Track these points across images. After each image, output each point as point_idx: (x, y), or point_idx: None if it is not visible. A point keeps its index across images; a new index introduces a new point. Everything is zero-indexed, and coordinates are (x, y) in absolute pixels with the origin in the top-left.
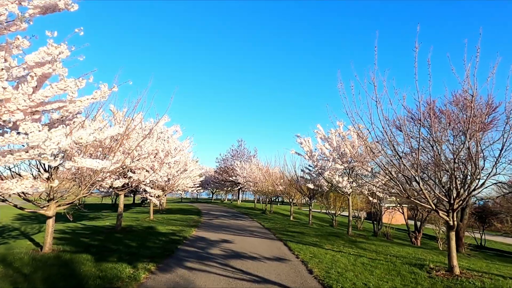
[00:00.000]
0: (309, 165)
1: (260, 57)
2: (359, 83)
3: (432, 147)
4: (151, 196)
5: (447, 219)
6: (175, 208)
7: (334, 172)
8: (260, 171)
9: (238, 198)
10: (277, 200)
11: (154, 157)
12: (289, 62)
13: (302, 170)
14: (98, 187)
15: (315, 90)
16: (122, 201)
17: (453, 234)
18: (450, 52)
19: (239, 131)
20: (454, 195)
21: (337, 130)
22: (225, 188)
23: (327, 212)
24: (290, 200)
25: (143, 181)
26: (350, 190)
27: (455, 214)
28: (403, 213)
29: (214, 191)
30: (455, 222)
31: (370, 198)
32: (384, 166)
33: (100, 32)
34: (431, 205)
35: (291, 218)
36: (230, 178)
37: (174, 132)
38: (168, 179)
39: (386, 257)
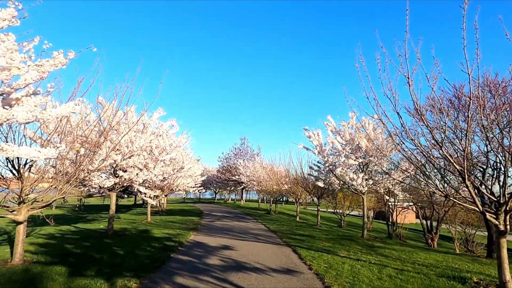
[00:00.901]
0: (318, 162)
1: (263, 52)
2: (384, 58)
3: (487, 135)
4: (147, 197)
5: (497, 222)
6: (176, 209)
7: (347, 168)
8: (264, 169)
9: (242, 198)
10: (281, 199)
11: (149, 154)
12: (293, 55)
13: (310, 167)
14: (89, 188)
15: (322, 82)
16: (113, 202)
17: (504, 242)
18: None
19: (242, 129)
20: (508, 193)
21: (350, 122)
22: (228, 188)
23: (335, 211)
24: (296, 199)
25: (136, 181)
26: (365, 188)
27: (507, 216)
28: (418, 212)
29: (217, 191)
30: (508, 227)
31: (387, 197)
32: (416, 159)
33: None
34: (477, 206)
35: (298, 219)
36: (233, 178)
37: (171, 126)
38: (164, 178)
39: (414, 267)
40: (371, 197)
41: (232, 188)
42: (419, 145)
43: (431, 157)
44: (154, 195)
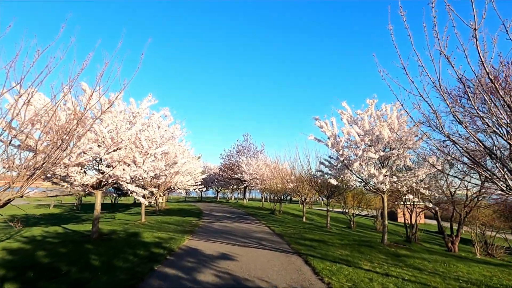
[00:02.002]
0: (329, 156)
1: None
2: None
3: None
4: (138, 196)
5: None
6: (175, 209)
7: (366, 163)
8: (268, 167)
9: (244, 197)
10: (285, 198)
11: (137, 147)
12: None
13: (321, 163)
14: (72, 185)
15: (327, 76)
16: (98, 202)
17: None
18: None
19: (246, 127)
20: None
21: (368, 109)
22: (231, 187)
23: (343, 211)
24: (303, 199)
25: (122, 177)
26: (387, 186)
27: None
28: (436, 213)
29: (219, 190)
30: None
31: (410, 197)
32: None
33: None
34: None
35: (304, 220)
36: (235, 176)
37: (164, 117)
38: (156, 174)
39: (461, 286)
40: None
41: (235, 186)
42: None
43: (496, 147)
44: (148, 194)
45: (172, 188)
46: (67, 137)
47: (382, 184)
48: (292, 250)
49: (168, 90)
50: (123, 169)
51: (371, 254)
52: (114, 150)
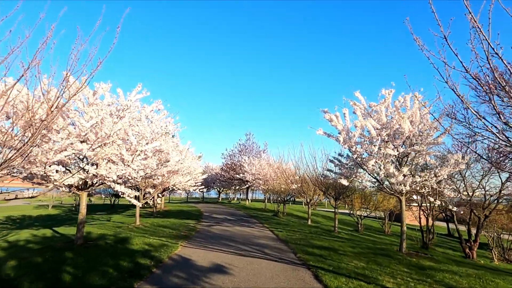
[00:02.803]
0: (339, 154)
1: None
2: None
3: None
4: (130, 198)
5: None
6: (174, 210)
7: (383, 161)
8: (271, 167)
9: (247, 198)
10: (289, 199)
11: (125, 143)
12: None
13: (331, 161)
14: (53, 185)
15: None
16: (84, 204)
17: None
18: None
19: (248, 126)
20: None
21: (385, 100)
22: (233, 187)
23: (350, 213)
24: (308, 200)
25: (108, 177)
26: (407, 187)
27: None
28: (452, 216)
29: (220, 191)
30: None
31: (430, 199)
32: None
33: None
34: None
35: (309, 222)
36: (237, 176)
37: (157, 111)
38: (147, 174)
39: None
40: (389, 197)
41: (237, 187)
42: None
43: None
44: (146, 195)
45: (171, 189)
46: (34, 130)
47: (401, 185)
48: (299, 260)
49: (168, 87)
50: (109, 168)
51: (390, 266)
52: (100, 147)
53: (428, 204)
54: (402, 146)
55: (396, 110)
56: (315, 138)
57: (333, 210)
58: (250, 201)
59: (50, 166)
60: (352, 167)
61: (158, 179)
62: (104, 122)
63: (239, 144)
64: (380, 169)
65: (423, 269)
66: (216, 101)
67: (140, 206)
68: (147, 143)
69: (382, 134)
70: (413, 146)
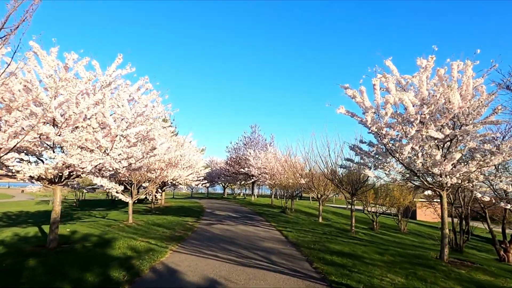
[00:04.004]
0: (360, 141)
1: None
2: None
3: None
4: (118, 194)
5: None
6: (175, 206)
7: (422, 146)
8: (278, 161)
9: (252, 193)
10: (296, 194)
11: (102, 127)
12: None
13: (351, 148)
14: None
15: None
16: (58, 201)
17: None
18: None
19: (254, 118)
20: None
21: (426, 67)
22: (238, 182)
23: (363, 210)
24: (319, 195)
25: (82, 168)
26: (454, 179)
27: None
28: (485, 214)
29: (225, 186)
30: None
31: (478, 195)
32: None
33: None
34: None
35: (320, 220)
36: (243, 170)
37: (146, 92)
38: (130, 164)
39: None
40: (406, 193)
41: (242, 182)
42: None
43: None
44: (118, 190)
45: (172, 184)
46: None
47: (448, 177)
48: (317, 273)
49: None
50: (83, 156)
51: (438, 283)
52: (71, 131)
53: (462, 200)
54: (448, 127)
55: (440, 81)
56: (329, 127)
57: (344, 206)
58: (256, 197)
59: (7, 154)
60: (378, 156)
61: (155, 172)
62: (78, 101)
63: (244, 137)
64: (417, 156)
65: (479, 285)
66: (221, 93)
67: (130, 202)
68: (128, 127)
69: (424, 111)
70: (463, 126)
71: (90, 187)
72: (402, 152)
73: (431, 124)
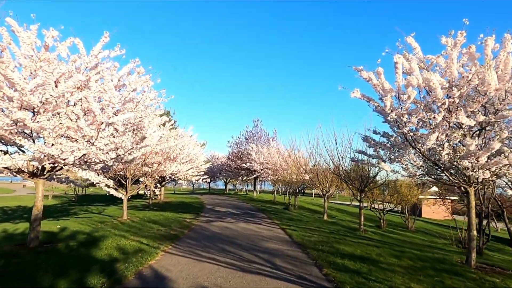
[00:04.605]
0: (374, 132)
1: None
2: None
3: None
4: (109, 189)
5: None
6: (175, 202)
7: (453, 134)
8: (281, 156)
9: (254, 189)
10: (299, 190)
11: (85, 114)
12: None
13: (364, 139)
14: None
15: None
16: (39, 197)
17: None
18: None
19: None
20: None
21: (456, 43)
22: (240, 178)
23: (370, 207)
24: (324, 192)
25: (62, 159)
26: (487, 174)
27: None
28: (503, 212)
29: (227, 181)
30: None
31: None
32: None
33: None
34: None
35: (325, 217)
36: (244, 165)
37: (140, 77)
38: (118, 155)
39: None
40: (415, 189)
41: (244, 177)
42: None
43: None
44: (109, 185)
45: (172, 179)
46: None
47: (481, 170)
48: (328, 281)
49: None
50: (63, 146)
51: None
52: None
53: (481, 197)
54: (480, 113)
55: (471, 60)
56: (336, 120)
57: (347, 203)
58: (258, 193)
59: None
60: (394, 147)
61: (152, 166)
62: (50, 82)
63: (246, 131)
64: (442, 147)
65: None
66: (223, 87)
67: (125, 198)
68: (114, 114)
69: (453, 95)
70: (503, 111)
71: (80, 181)
72: (426, 143)
73: (460, 110)
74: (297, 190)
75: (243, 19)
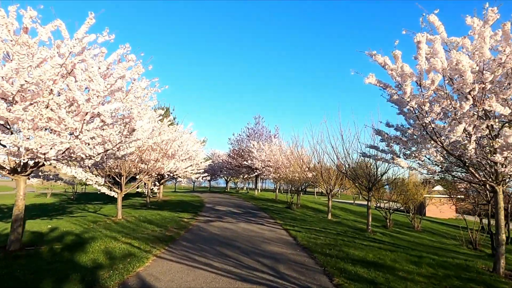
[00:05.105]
0: (387, 125)
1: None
2: None
3: None
4: (100, 187)
5: None
6: (174, 201)
7: (483, 125)
8: (283, 153)
9: (256, 187)
10: (303, 188)
11: (71, 104)
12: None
13: (377, 133)
14: None
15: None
16: (21, 194)
17: None
18: None
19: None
20: None
21: (487, 21)
22: (241, 176)
23: (376, 207)
24: (328, 190)
25: (42, 154)
26: None
27: None
28: None
29: (228, 179)
30: None
31: None
32: None
33: None
34: None
35: (329, 217)
36: (246, 163)
37: (132, 66)
38: (107, 150)
39: None
40: (420, 187)
41: (245, 175)
42: None
43: None
44: (99, 182)
45: (171, 177)
46: None
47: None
48: None
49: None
50: (42, 140)
51: None
52: (28, 107)
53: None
54: None
55: (505, 40)
56: (344, 114)
57: (350, 201)
58: (259, 191)
59: None
60: (410, 141)
61: (148, 162)
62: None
63: (248, 128)
64: (469, 141)
65: None
66: (224, 84)
67: (119, 197)
68: (100, 103)
69: (485, 79)
70: None
71: (69, 179)
72: (449, 136)
73: (492, 97)
74: (300, 189)
75: (243, 16)
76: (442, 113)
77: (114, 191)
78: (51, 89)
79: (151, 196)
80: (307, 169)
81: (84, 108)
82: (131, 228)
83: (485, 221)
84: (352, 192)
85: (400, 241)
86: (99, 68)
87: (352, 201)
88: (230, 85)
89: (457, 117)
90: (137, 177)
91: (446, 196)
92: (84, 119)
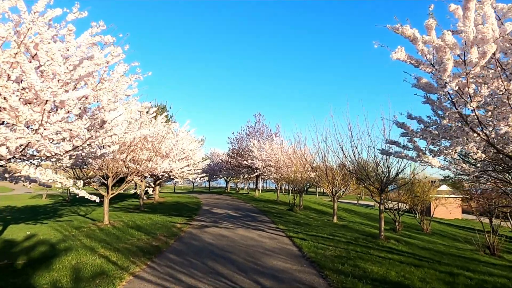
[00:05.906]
0: (409, 117)
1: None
2: None
3: None
4: (78, 191)
5: None
6: (169, 203)
7: None
8: (285, 152)
9: (256, 188)
10: (306, 189)
11: (28, 91)
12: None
13: (399, 126)
14: None
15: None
16: None
17: None
18: None
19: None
20: None
21: None
22: (242, 176)
23: (384, 209)
24: (334, 191)
25: (12, 151)
26: None
27: None
28: None
29: (228, 180)
30: None
31: None
32: None
33: None
34: None
35: (335, 220)
36: (246, 163)
37: (110, 52)
38: (76, 147)
39: None
40: (430, 188)
41: (246, 176)
42: None
43: None
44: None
45: (163, 177)
46: None
47: None
48: None
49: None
50: (6, 135)
51: None
52: None
53: None
54: None
55: None
56: (352, 108)
57: (354, 202)
58: (260, 192)
59: None
60: (441, 133)
61: (142, 163)
62: None
63: (248, 126)
64: None
65: None
66: (224, 82)
67: (106, 200)
68: (64, 90)
69: None
70: None
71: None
72: (500, 126)
73: None
74: (302, 189)
75: (243, 14)
76: (488, 99)
77: (98, 194)
78: (8, 74)
79: (145, 198)
80: (310, 168)
81: (43, 95)
82: (115, 235)
83: (496, 223)
84: (355, 192)
85: (419, 250)
86: (67, 50)
87: (355, 202)
88: (230, 84)
89: (510, 102)
90: (127, 178)
91: (460, 196)
92: (44, 109)
